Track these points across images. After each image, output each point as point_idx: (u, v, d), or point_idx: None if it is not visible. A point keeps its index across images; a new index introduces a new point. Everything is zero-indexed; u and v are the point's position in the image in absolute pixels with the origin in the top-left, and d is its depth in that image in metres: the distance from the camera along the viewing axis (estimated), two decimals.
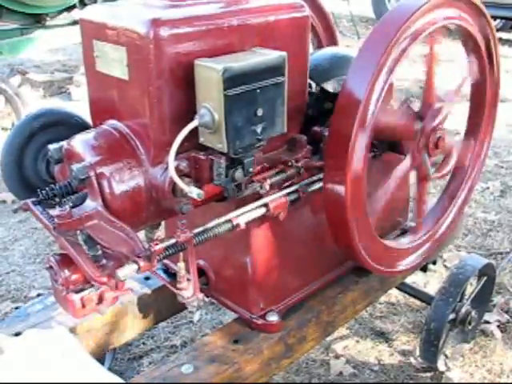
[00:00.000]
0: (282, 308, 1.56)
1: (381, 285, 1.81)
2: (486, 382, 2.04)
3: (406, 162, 1.55)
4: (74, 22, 4.38)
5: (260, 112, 1.21)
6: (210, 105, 1.17)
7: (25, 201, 1.27)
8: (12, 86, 4.14)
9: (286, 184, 1.44)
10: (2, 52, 4.13)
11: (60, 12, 4.45)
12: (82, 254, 1.15)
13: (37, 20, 4.33)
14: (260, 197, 1.38)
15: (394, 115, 1.55)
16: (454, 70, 1.67)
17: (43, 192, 1.23)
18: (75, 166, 1.20)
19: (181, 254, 1.25)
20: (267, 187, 1.36)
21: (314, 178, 1.50)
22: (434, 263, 2.20)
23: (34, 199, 1.26)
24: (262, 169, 1.40)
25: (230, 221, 1.33)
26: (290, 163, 1.42)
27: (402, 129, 1.55)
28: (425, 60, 1.53)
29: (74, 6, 4.45)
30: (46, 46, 4.54)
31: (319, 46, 1.99)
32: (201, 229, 1.29)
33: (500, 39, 6.38)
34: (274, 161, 1.43)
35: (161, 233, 1.54)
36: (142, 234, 1.42)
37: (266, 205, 1.39)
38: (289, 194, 1.44)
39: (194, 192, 1.18)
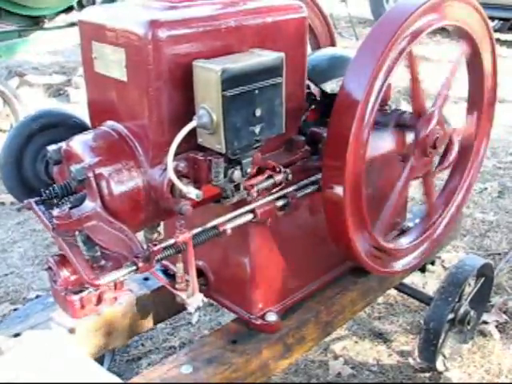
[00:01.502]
0: (281, 308, 1.56)
1: (379, 285, 1.81)
2: (484, 382, 2.04)
3: (406, 172, 1.55)
4: (72, 24, 4.38)
5: (258, 113, 1.21)
6: (209, 106, 1.17)
7: (28, 200, 1.27)
8: (10, 87, 4.14)
9: (275, 190, 1.42)
10: (0, 54, 4.13)
11: (58, 14, 4.46)
12: (77, 256, 1.15)
13: (35, 22, 4.33)
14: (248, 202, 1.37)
15: (384, 145, 1.52)
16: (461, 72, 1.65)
17: (46, 192, 1.23)
18: (74, 167, 1.20)
19: (180, 254, 1.25)
20: (254, 195, 1.34)
21: (304, 182, 1.49)
22: (433, 264, 2.21)
23: (36, 199, 1.27)
24: (250, 175, 1.36)
25: (215, 227, 1.32)
26: (278, 169, 1.39)
27: (396, 150, 1.53)
28: (408, 66, 1.47)
29: (71, 8, 4.45)
30: (44, 47, 4.56)
31: (317, 46, 2.00)
32: (199, 229, 1.29)
33: (498, 40, 6.39)
34: (265, 165, 1.40)
35: (159, 234, 1.54)
36: (140, 235, 1.42)
37: (253, 211, 1.38)
38: (277, 199, 1.42)
39: (192, 192, 1.18)
